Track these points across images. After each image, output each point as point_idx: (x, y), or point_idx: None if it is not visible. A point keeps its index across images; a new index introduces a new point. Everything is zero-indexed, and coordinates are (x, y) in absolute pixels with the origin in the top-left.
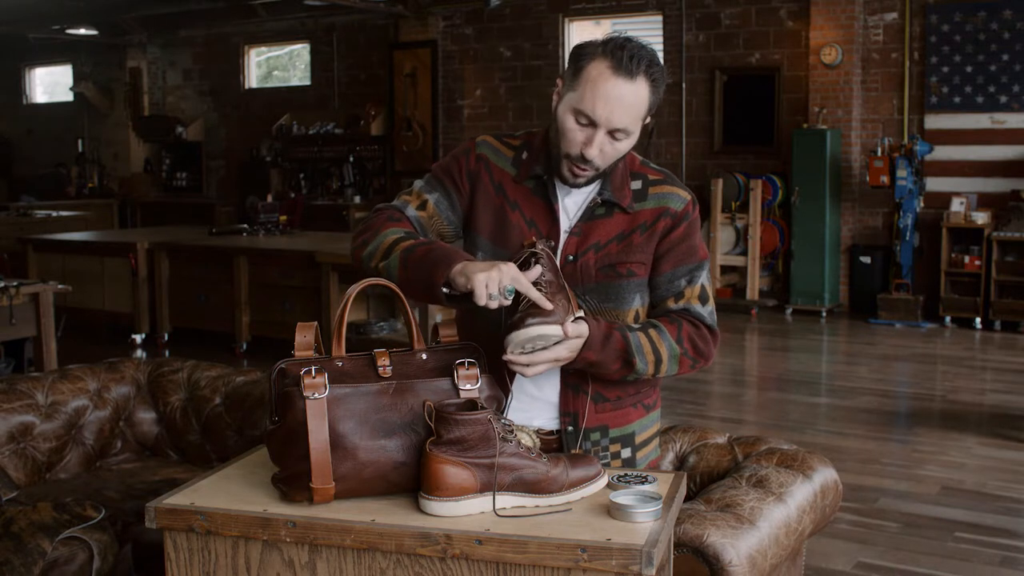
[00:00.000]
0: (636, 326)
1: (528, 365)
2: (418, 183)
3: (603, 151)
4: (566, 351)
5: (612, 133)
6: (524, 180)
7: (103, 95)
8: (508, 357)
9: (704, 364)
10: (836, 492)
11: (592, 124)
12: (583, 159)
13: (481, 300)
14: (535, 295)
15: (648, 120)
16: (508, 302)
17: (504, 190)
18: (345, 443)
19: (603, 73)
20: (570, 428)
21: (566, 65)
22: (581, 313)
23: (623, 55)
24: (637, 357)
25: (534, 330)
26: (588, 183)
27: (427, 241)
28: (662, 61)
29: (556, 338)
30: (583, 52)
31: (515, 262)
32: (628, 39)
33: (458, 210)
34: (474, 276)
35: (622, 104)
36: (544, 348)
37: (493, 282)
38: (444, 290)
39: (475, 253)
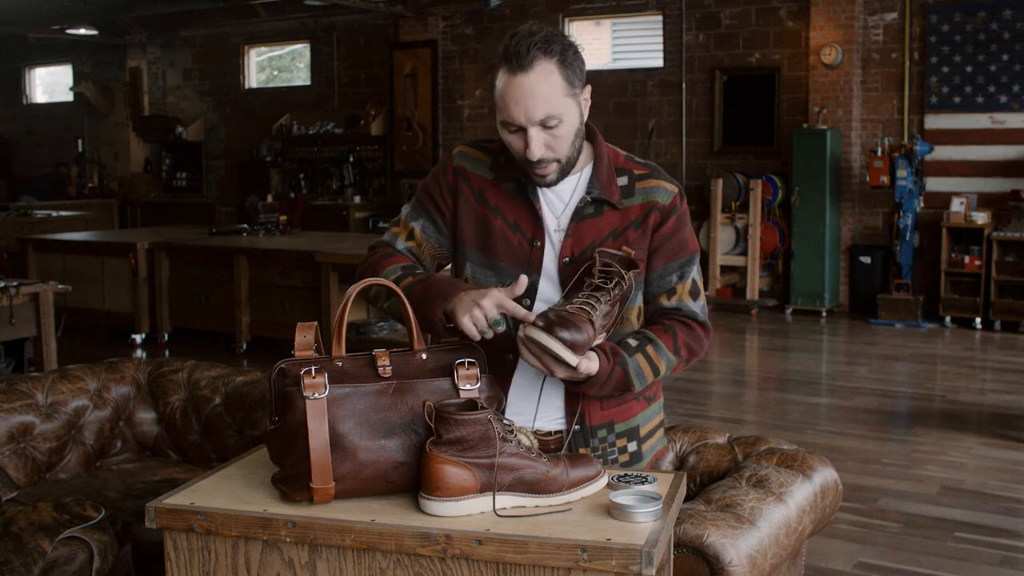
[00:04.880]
0: (634, 343)
1: (529, 352)
2: (405, 209)
3: (546, 144)
4: (562, 373)
5: (543, 124)
6: (504, 182)
7: (103, 95)
8: (525, 333)
9: (696, 360)
10: (836, 492)
11: (520, 128)
12: (532, 161)
13: (475, 338)
14: (521, 314)
15: (587, 88)
16: (501, 329)
17: (485, 198)
18: (345, 443)
19: (505, 79)
20: (576, 427)
21: None
22: (599, 340)
23: (511, 53)
24: (636, 382)
25: (552, 344)
26: (560, 176)
27: (423, 277)
28: (662, 55)
29: (567, 363)
30: (491, 67)
31: (582, 269)
32: (515, 34)
33: (445, 231)
34: (459, 319)
35: (531, 96)
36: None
37: (478, 320)
38: (449, 325)
39: (464, 264)
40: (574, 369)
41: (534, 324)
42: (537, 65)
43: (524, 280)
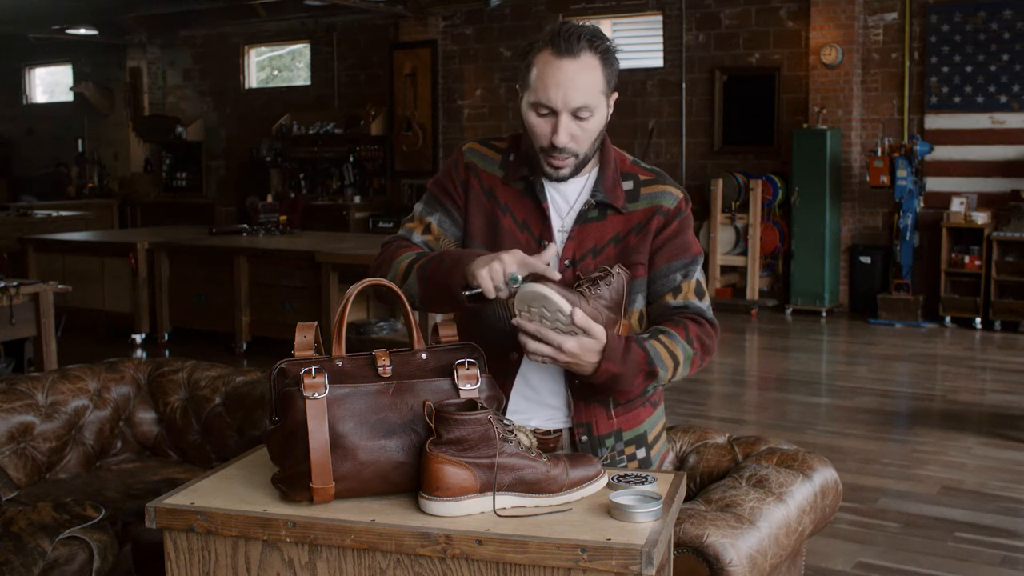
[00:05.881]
0: (646, 335)
1: (533, 338)
2: (418, 206)
3: (572, 135)
4: (573, 343)
5: (575, 114)
6: (513, 181)
7: (103, 95)
8: (517, 320)
9: (709, 359)
10: (836, 492)
11: (553, 112)
12: (555, 148)
13: (490, 294)
14: (541, 268)
15: (615, 94)
16: (518, 288)
17: (495, 195)
18: (345, 443)
19: (547, 61)
20: (584, 438)
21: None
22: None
23: (560, 38)
24: (659, 367)
25: (541, 288)
26: (573, 173)
27: (437, 253)
28: (662, 55)
29: (561, 313)
30: (528, 49)
31: (589, 278)
32: (565, 22)
33: (460, 224)
34: (478, 272)
35: (574, 83)
36: (552, 327)
37: (496, 273)
38: (465, 293)
39: None
40: (571, 320)
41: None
42: (583, 55)
43: (553, 248)
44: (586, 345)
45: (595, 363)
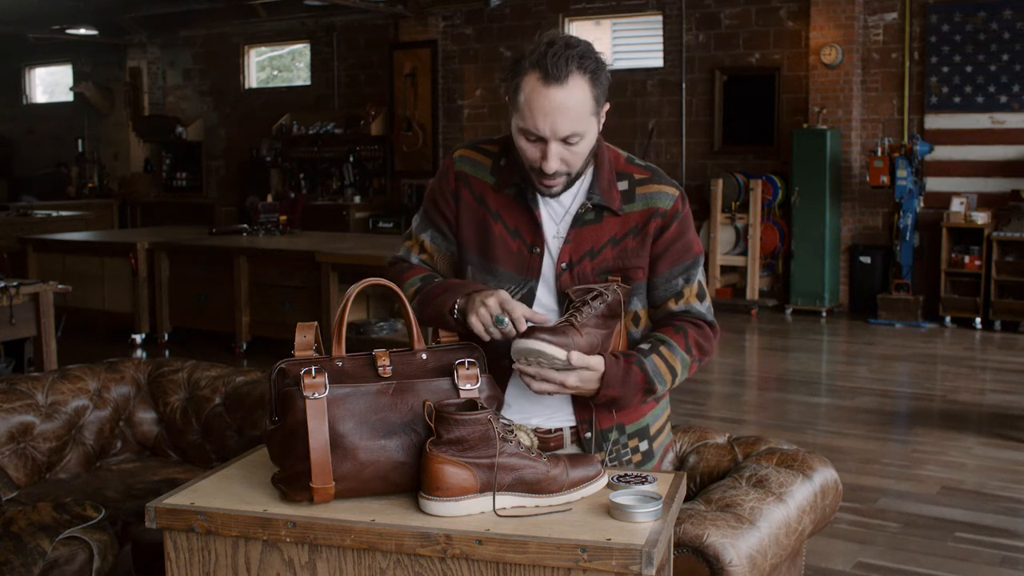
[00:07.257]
0: (647, 346)
1: (535, 378)
2: (414, 221)
3: (562, 159)
4: (575, 379)
5: (564, 140)
6: (504, 188)
7: (103, 95)
8: (517, 366)
9: (708, 359)
10: (836, 492)
11: (541, 139)
12: (544, 172)
13: (484, 337)
14: (517, 314)
15: (606, 105)
16: (507, 328)
17: (486, 202)
18: (345, 443)
19: (535, 88)
20: (587, 434)
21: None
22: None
23: (548, 63)
24: (657, 383)
25: (534, 343)
26: (565, 188)
27: (435, 285)
28: (662, 55)
29: (557, 360)
30: (516, 69)
31: (580, 300)
32: (552, 43)
33: (451, 238)
34: (468, 318)
35: (562, 112)
36: (551, 368)
37: (484, 318)
38: (457, 317)
39: (466, 268)
40: (568, 364)
41: (517, 336)
42: (571, 80)
43: (546, 317)
44: (586, 377)
45: (595, 389)
